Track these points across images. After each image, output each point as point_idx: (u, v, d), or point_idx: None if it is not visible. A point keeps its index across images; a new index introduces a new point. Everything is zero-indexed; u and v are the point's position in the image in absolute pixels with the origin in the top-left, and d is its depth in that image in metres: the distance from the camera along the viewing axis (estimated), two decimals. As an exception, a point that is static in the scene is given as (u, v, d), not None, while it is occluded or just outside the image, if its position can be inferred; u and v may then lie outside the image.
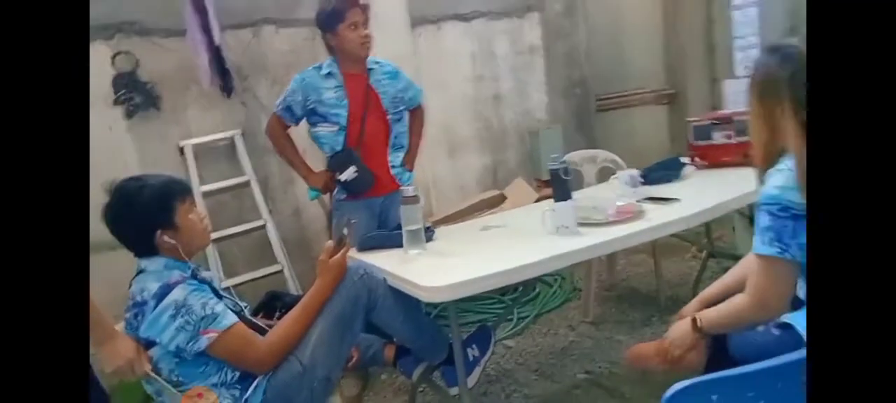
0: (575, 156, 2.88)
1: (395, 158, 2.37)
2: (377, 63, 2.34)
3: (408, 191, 1.77)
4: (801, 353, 1.03)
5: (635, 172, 2.23)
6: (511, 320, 2.90)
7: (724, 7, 3.41)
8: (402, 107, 2.37)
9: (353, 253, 1.76)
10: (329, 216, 2.42)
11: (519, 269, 1.53)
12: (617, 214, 1.78)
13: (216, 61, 2.73)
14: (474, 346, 1.83)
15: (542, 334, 2.81)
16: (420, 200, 1.80)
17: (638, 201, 1.95)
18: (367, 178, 2.25)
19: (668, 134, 4.40)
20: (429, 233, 1.88)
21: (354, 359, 1.73)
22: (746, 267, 1.34)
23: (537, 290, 3.12)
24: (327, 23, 2.21)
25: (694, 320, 1.30)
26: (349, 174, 2.21)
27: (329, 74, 2.25)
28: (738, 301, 1.24)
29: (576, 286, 3.17)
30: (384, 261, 1.70)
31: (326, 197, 2.45)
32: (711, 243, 3.01)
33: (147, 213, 1.37)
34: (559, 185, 1.86)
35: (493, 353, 2.03)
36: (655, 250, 2.88)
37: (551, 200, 2.06)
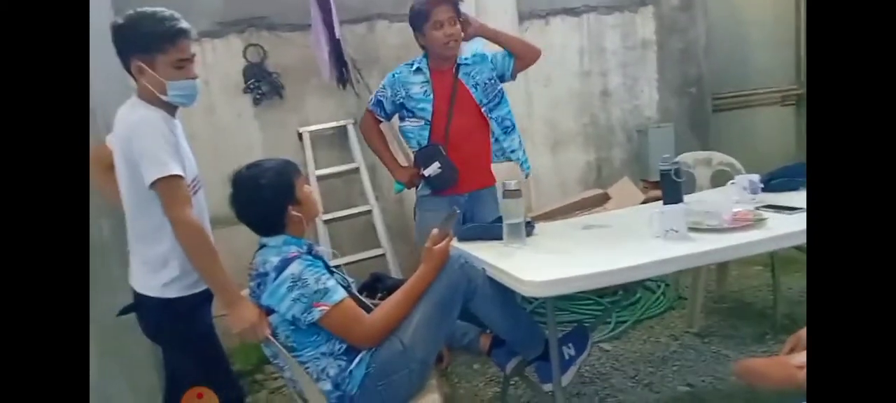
0: (688, 158, 2.74)
1: (512, 141, 2.35)
2: (466, 58, 2.34)
3: (510, 184, 1.78)
4: None
5: (755, 177, 2.08)
6: (609, 323, 2.82)
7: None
8: (499, 87, 2.33)
9: (453, 243, 1.81)
10: (414, 210, 2.44)
11: (623, 271, 1.49)
12: (733, 221, 1.68)
13: (335, 54, 2.89)
14: (571, 345, 1.81)
15: (641, 341, 2.71)
16: (522, 194, 1.80)
17: (757, 208, 1.82)
18: (451, 175, 2.23)
19: (795, 137, 4.04)
20: (529, 228, 1.88)
21: (446, 361, 1.78)
22: None
23: (639, 295, 3.01)
24: (415, 22, 2.25)
25: None
26: (433, 169, 2.22)
27: (418, 70, 2.29)
28: None
29: (681, 294, 3.02)
30: (484, 252, 1.73)
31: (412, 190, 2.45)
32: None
33: (275, 193, 1.52)
34: (670, 187, 1.79)
35: (589, 355, 1.99)
36: (774, 262, 2.66)
37: (660, 202, 1.99)
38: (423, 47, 2.31)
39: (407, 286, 1.56)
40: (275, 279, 1.45)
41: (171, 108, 1.56)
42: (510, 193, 1.77)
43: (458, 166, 2.24)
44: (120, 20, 1.50)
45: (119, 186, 1.56)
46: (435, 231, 1.60)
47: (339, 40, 2.85)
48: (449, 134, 2.25)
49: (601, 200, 3.27)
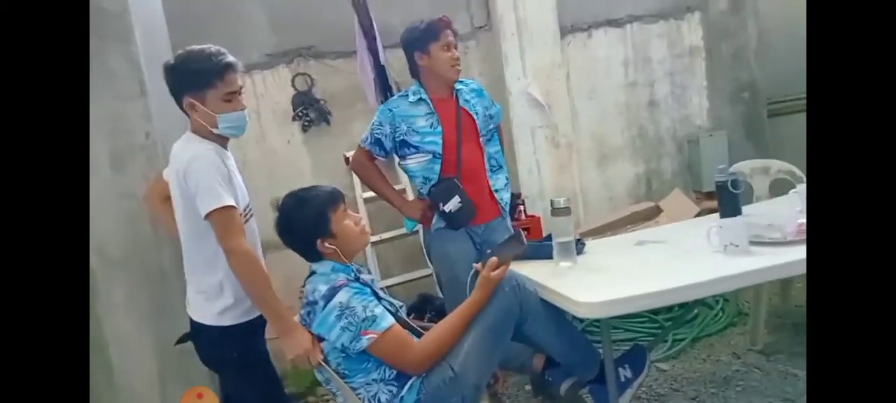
0: (745, 167, 2.62)
1: (497, 181, 2.22)
2: (462, 83, 2.21)
3: (559, 201, 1.74)
4: None
5: (820, 186, 1.96)
6: (666, 342, 2.72)
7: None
8: (491, 126, 2.24)
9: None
10: (427, 247, 2.31)
11: (682, 289, 1.44)
12: (797, 233, 1.59)
13: (380, 79, 2.94)
14: (627, 366, 1.75)
15: (700, 360, 2.59)
16: (571, 211, 1.77)
17: (824, 219, 1.72)
18: (470, 209, 2.11)
19: (861, 141, 3.81)
20: (579, 246, 1.84)
21: (500, 384, 1.75)
22: None
23: (696, 312, 2.88)
24: (419, 42, 2.10)
25: None
26: (454, 204, 2.09)
27: (419, 101, 2.13)
28: None
29: (741, 310, 2.88)
30: (534, 272, 1.70)
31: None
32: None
33: (306, 225, 1.53)
34: (727, 199, 1.72)
35: (646, 376, 1.92)
36: (844, 275, 2.50)
37: (715, 215, 1.91)
38: (415, 73, 2.17)
39: (459, 311, 1.55)
40: (323, 308, 1.46)
41: (222, 140, 1.62)
42: (559, 211, 1.74)
43: (472, 198, 2.12)
44: (171, 61, 1.58)
45: (176, 218, 1.63)
46: (493, 258, 1.56)
47: (383, 66, 2.90)
48: (461, 166, 2.12)
49: (653, 213, 3.18)
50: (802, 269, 1.55)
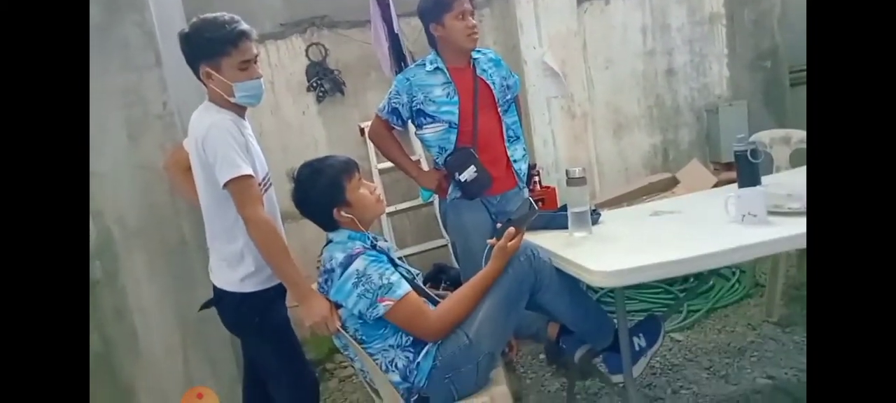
0: (764, 136, 2.57)
1: (515, 151, 2.21)
2: (479, 52, 2.20)
3: (574, 171, 1.73)
4: None
5: (842, 155, 1.93)
6: (681, 312, 2.72)
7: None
8: (509, 96, 2.22)
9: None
10: (443, 217, 2.31)
11: (697, 259, 1.43)
12: (817, 203, 1.56)
13: (395, 49, 2.92)
14: (641, 335, 1.76)
15: (715, 330, 2.59)
16: (587, 181, 1.76)
17: (845, 189, 1.69)
18: (486, 178, 2.11)
19: (886, 110, 3.72)
20: (595, 216, 1.83)
21: (514, 352, 1.76)
22: None
23: (712, 283, 2.87)
24: (433, 13, 2.08)
25: None
26: (469, 174, 2.09)
27: (436, 70, 2.11)
28: None
29: (758, 281, 2.86)
30: (549, 242, 1.70)
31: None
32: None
33: (322, 194, 1.54)
34: (746, 169, 1.70)
35: (661, 346, 1.93)
36: (863, 246, 2.47)
37: (734, 185, 1.89)
38: (432, 42, 2.16)
39: (474, 280, 1.56)
40: (340, 275, 1.49)
41: (239, 109, 1.62)
42: (575, 180, 1.73)
43: (488, 168, 2.12)
44: (185, 30, 1.58)
45: (196, 187, 1.65)
46: (511, 229, 1.56)
47: (397, 35, 2.88)
48: (477, 135, 2.12)
49: (669, 184, 3.15)
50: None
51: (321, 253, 1.61)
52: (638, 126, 3.66)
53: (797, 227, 1.49)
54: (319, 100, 3.23)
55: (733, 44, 3.67)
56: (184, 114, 2.11)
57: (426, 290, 1.67)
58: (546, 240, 1.72)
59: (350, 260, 1.49)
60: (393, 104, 2.16)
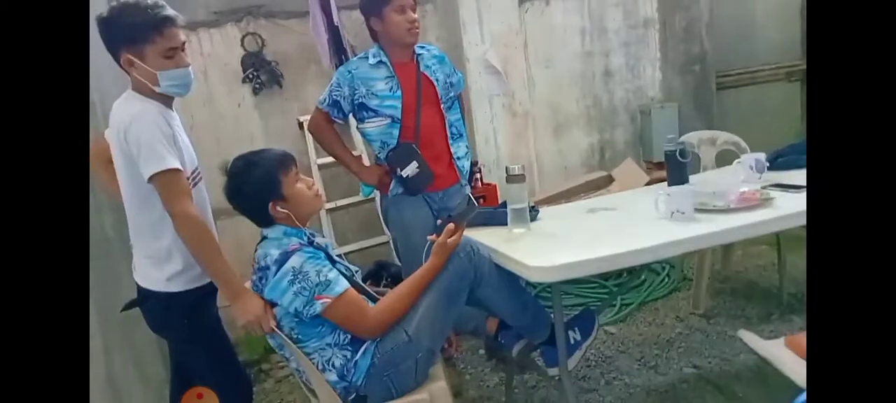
0: (693, 137, 2.71)
1: (458, 148, 2.21)
2: (423, 48, 2.18)
3: (514, 169, 1.75)
4: None
5: (761, 156, 2.05)
6: (614, 306, 2.82)
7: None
8: (452, 93, 2.22)
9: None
10: (384, 213, 2.28)
11: (629, 254, 1.47)
12: (739, 201, 1.65)
13: (334, 41, 2.86)
14: (577, 329, 1.80)
15: (646, 323, 2.70)
16: (526, 179, 1.78)
17: (763, 188, 1.80)
18: (428, 175, 2.10)
19: (801, 114, 4.00)
20: (533, 213, 1.86)
21: (454, 348, 1.76)
22: None
23: (643, 277, 3.00)
24: (372, 7, 2.05)
25: None
26: (411, 170, 2.07)
27: (379, 64, 2.09)
28: None
29: (686, 275, 3.01)
30: (488, 238, 1.71)
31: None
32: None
33: (257, 188, 1.48)
34: (675, 168, 1.77)
35: (595, 339, 1.99)
36: (780, 242, 2.64)
37: (664, 183, 1.96)
38: (374, 36, 2.13)
39: (414, 277, 1.55)
40: (276, 273, 1.44)
41: (166, 99, 1.54)
42: (514, 178, 1.75)
43: (430, 164, 2.11)
44: (104, 13, 1.47)
45: (119, 181, 1.55)
46: (450, 224, 1.57)
47: (337, 26, 2.82)
48: (420, 131, 2.10)
49: (605, 182, 3.26)
50: (743, 235, 1.63)
51: (256, 251, 1.55)
52: (576, 125, 3.76)
53: (722, 224, 1.57)
54: (256, 92, 3.12)
55: (666, 48, 3.83)
56: (106, 103, 1.98)
57: (365, 287, 1.64)
58: (486, 237, 1.74)
59: (286, 256, 1.44)
60: (334, 96, 2.12)
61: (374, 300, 1.58)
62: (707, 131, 2.87)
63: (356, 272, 1.68)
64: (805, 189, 1.76)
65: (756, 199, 1.67)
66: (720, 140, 2.69)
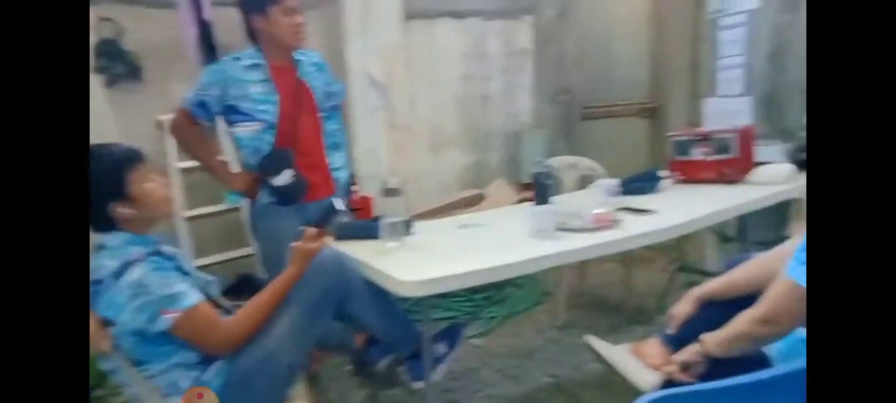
0: (557, 162, 2.91)
1: (336, 159, 2.16)
2: (303, 54, 2.12)
3: (390, 183, 1.75)
4: (774, 371, 1.05)
5: (614, 182, 2.25)
6: (479, 319, 2.91)
7: (711, 26, 3.49)
8: (332, 103, 2.17)
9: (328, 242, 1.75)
10: (252, 223, 2.17)
11: (496, 269, 1.54)
12: (594, 222, 1.80)
13: (204, 37, 2.68)
14: (442, 342, 1.83)
15: (509, 336, 2.83)
16: (402, 194, 1.79)
17: (615, 210, 1.97)
18: (302, 184, 2.03)
19: (649, 147, 4.46)
20: (409, 227, 1.87)
21: (318, 364, 1.70)
22: (758, 270, 1.33)
23: (506, 292, 3.14)
24: (256, 4, 1.96)
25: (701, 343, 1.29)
26: (285, 178, 1.98)
27: (254, 66, 2.00)
28: (748, 321, 1.19)
29: (545, 290, 3.20)
30: (359, 252, 1.69)
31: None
32: (682, 256, 3.06)
33: (96, 187, 1.29)
34: (540, 189, 1.88)
35: (461, 351, 2.03)
36: (626, 260, 2.92)
37: (531, 203, 2.08)
38: (252, 36, 2.03)
39: (271, 286, 1.47)
40: (112, 286, 1.28)
41: None
42: (390, 192, 1.76)
43: (305, 174, 2.05)
44: None
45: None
46: (311, 229, 1.52)
47: (207, 22, 2.64)
48: (297, 139, 2.03)
49: (476, 200, 3.38)
50: (599, 253, 1.77)
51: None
52: (455, 145, 3.86)
53: (579, 242, 1.70)
54: (109, 84, 2.81)
55: (538, 77, 4.09)
56: None
57: (222, 301, 1.52)
58: (358, 250, 1.71)
59: (125, 267, 1.28)
60: (201, 96, 1.99)
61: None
62: (570, 157, 3.10)
63: (210, 282, 1.56)
64: (650, 212, 1.96)
65: (608, 221, 1.83)
66: (581, 166, 2.92)
